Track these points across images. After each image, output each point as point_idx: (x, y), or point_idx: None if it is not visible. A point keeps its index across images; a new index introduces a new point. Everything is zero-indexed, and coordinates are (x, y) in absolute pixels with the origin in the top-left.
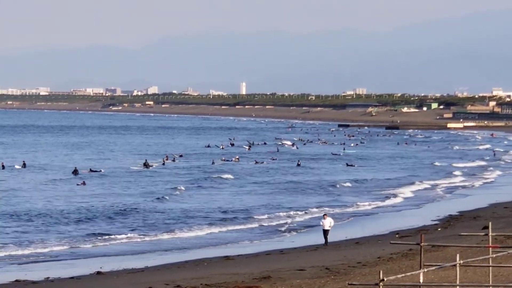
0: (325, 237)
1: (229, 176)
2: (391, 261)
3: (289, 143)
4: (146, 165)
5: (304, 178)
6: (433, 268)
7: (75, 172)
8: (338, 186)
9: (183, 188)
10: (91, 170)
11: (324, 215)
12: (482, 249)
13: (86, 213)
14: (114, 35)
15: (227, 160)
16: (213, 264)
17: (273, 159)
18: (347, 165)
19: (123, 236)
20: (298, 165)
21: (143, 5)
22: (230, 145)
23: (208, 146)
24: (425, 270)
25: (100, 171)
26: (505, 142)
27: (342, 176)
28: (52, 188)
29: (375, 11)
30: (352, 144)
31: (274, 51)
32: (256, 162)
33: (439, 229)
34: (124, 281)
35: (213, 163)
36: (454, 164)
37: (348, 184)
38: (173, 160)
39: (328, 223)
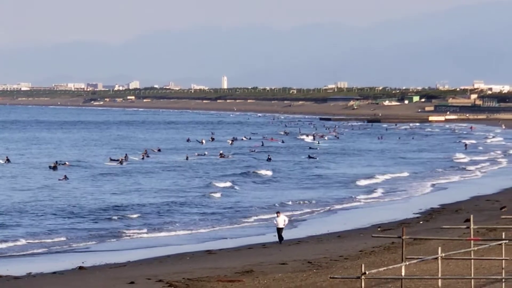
0: (279, 235)
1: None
2: (373, 255)
3: (310, 137)
4: (121, 160)
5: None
6: (415, 261)
7: (54, 167)
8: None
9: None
10: (56, 163)
11: (277, 212)
12: (464, 242)
13: (67, 208)
14: (95, 30)
15: (200, 155)
16: (195, 258)
17: (252, 151)
18: (309, 157)
19: (109, 232)
20: (269, 159)
21: (125, 0)
22: (211, 140)
23: (188, 141)
24: (407, 263)
25: (65, 163)
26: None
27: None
28: (32, 183)
29: (357, 6)
30: (326, 138)
31: (255, 45)
32: (222, 156)
33: (421, 222)
34: (106, 276)
35: (187, 158)
36: (473, 158)
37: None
38: (148, 156)
39: (282, 221)
